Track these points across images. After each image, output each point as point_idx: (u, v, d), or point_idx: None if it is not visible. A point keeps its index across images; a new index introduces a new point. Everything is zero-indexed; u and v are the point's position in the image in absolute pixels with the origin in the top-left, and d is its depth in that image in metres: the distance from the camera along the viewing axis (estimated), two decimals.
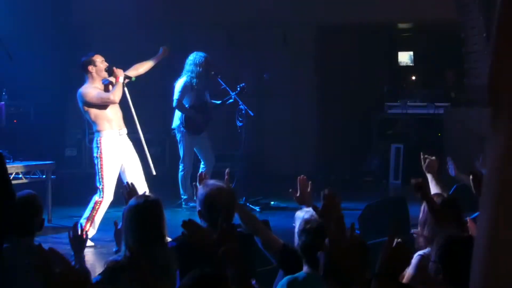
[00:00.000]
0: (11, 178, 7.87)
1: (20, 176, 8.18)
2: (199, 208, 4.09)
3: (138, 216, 3.93)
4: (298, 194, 4.42)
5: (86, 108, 7.29)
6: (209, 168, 9.21)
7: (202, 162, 9.34)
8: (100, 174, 7.24)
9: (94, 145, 7.34)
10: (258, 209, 9.00)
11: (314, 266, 3.48)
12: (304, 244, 3.62)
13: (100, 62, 7.35)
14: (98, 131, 7.29)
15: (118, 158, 7.33)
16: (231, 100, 9.26)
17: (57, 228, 7.78)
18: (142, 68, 7.84)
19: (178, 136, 9.16)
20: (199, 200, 4.10)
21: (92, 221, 7.22)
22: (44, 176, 8.39)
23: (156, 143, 11.58)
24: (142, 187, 7.14)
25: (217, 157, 9.58)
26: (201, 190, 4.13)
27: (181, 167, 9.19)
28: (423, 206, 4.25)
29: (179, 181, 9.23)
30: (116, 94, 7.27)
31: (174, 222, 8.18)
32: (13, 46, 8.29)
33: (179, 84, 9.04)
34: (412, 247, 4.41)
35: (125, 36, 11.91)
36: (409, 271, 3.99)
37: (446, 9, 11.00)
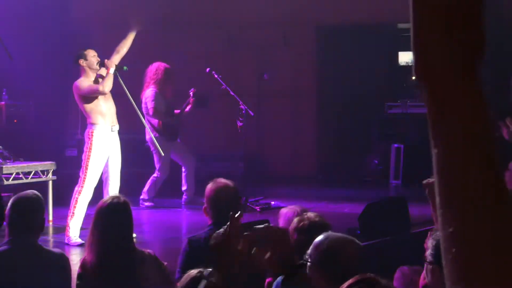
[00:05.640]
0: (11, 178, 7.95)
1: (21, 176, 8.17)
2: (205, 205, 4.15)
3: (100, 220, 3.95)
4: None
5: (80, 100, 7.41)
6: (191, 170, 9.32)
7: (183, 168, 9.40)
8: (85, 164, 7.34)
9: (86, 136, 7.44)
10: (258, 209, 9.00)
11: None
12: (298, 242, 3.61)
13: (91, 56, 7.45)
14: (91, 124, 7.40)
15: (106, 153, 7.44)
16: (189, 106, 9.37)
17: (58, 228, 7.78)
18: (123, 49, 7.86)
19: (152, 147, 9.17)
20: (206, 196, 4.17)
21: (73, 214, 7.24)
22: (44, 177, 8.39)
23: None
24: (115, 186, 7.44)
25: (217, 157, 9.59)
26: (208, 186, 4.19)
27: (156, 173, 9.28)
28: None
29: (148, 180, 9.31)
30: (105, 84, 7.35)
31: (173, 222, 8.22)
32: (13, 46, 8.30)
33: (149, 93, 9.15)
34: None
35: (124, 35, 11.90)
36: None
37: None
